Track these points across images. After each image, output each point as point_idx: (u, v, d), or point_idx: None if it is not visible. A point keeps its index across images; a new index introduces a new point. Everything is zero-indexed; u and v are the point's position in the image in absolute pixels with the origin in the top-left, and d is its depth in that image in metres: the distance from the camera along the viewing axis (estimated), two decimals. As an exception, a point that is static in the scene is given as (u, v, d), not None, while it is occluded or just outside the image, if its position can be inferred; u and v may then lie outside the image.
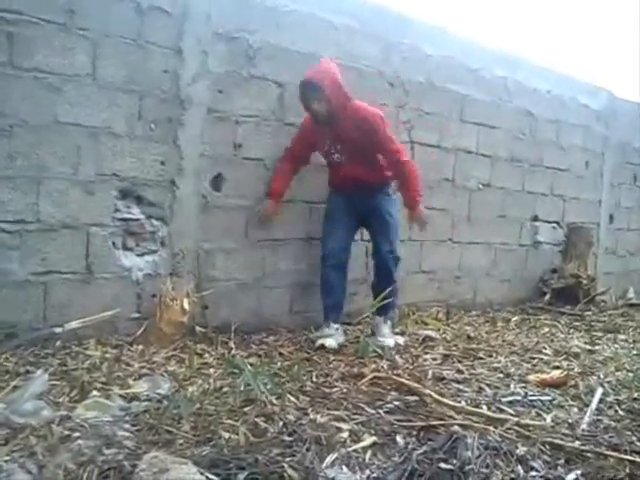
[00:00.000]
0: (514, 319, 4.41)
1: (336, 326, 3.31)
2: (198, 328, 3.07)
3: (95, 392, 2.16)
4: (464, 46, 4.44)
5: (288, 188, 3.44)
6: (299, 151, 3.42)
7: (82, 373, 2.35)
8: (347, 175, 3.33)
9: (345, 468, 1.73)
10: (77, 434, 1.78)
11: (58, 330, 2.69)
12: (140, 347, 2.80)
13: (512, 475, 1.74)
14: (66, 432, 1.79)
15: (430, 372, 2.78)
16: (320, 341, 3.14)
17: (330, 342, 3.14)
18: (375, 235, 3.45)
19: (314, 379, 2.58)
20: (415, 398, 2.35)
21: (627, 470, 1.81)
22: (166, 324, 2.91)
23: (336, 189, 3.47)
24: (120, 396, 2.16)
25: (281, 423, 1.98)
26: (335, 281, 3.37)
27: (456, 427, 2.01)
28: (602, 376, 2.90)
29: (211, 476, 1.54)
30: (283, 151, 3.44)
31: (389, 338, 3.30)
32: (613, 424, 2.24)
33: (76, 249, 2.82)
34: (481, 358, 3.16)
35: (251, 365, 2.56)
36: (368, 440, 1.93)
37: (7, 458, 1.60)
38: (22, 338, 2.63)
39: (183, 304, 2.94)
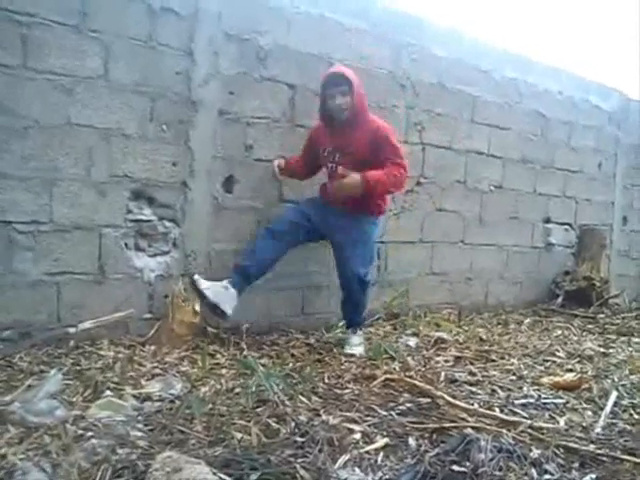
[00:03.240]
0: (526, 321, 4.38)
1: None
2: (210, 329, 3.08)
3: (108, 392, 2.17)
4: (475, 47, 4.43)
5: (294, 172, 3.33)
6: (308, 162, 3.29)
7: (95, 373, 2.36)
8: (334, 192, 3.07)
9: (357, 469, 1.73)
10: (91, 433, 1.79)
11: (72, 330, 2.71)
12: (152, 347, 2.81)
13: (526, 478, 1.73)
14: (80, 431, 1.80)
15: (442, 374, 2.77)
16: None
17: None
18: (345, 256, 3.12)
19: (326, 380, 2.57)
20: (427, 400, 2.35)
21: (643, 474, 1.79)
22: (178, 325, 2.91)
23: (321, 197, 3.27)
24: (133, 396, 2.17)
25: (293, 424, 1.98)
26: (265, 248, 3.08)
27: (469, 429, 2.00)
28: (616, 379, 2.88)
29: (224, 476, 1.54)
30: (294, 153, 3.45)
31: (358, 347, 3.15)
32: (628, 428, 2.22)
33: (89, 250, 2.84)
34: (493, 360, 3.14)
35: (263, 366, 2.57)
36: (380, 442, 1.93)
37: (22, 457, 1.62)
38: (36, 338, 2.64)
39: (195, 305, 2.95)
